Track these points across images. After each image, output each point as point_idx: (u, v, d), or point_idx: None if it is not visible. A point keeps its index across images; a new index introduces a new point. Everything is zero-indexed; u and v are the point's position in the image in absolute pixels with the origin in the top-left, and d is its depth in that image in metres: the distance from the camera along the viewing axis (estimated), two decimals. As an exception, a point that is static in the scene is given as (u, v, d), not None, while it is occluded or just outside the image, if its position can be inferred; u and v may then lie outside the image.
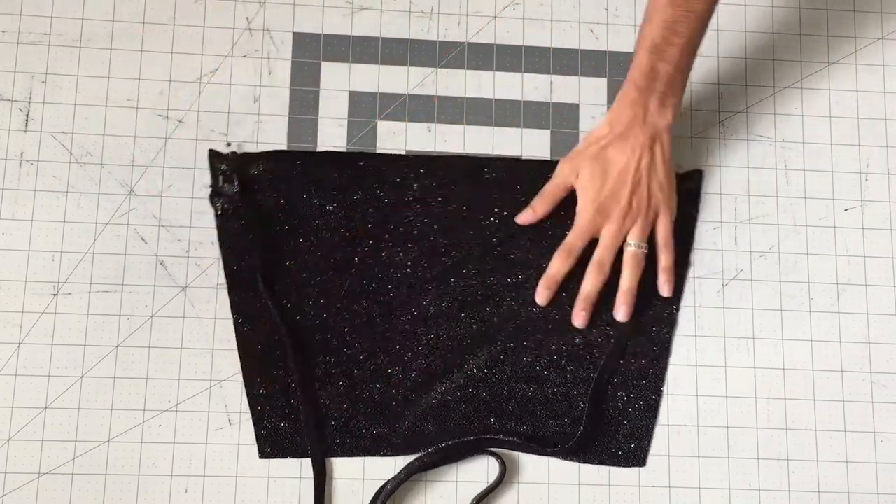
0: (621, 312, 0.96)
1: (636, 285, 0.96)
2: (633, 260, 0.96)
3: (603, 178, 0.95)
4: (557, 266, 0.96)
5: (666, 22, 0.91)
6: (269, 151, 1.00)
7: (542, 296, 0.97)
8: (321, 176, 0.99)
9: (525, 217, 0.98)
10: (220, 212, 0.97)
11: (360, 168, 1.00)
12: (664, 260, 0.98)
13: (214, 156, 0.99)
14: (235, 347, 0.95)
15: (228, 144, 1.00)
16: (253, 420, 0.93)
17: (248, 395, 0.94)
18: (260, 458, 0.93)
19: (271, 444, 0.93)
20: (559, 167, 0.98)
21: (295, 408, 0.94)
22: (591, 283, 0.96)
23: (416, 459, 0.92)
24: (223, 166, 0.98)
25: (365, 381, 0.95)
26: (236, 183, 0.98)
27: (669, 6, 0.91)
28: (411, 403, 0.94)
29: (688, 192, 1.01)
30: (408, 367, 0.96)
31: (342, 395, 0.94)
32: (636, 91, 0.94)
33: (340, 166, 1.00)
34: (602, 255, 0.96)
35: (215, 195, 0.97)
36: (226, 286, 0.96)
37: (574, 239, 0.96)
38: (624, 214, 0.95)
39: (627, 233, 0.96)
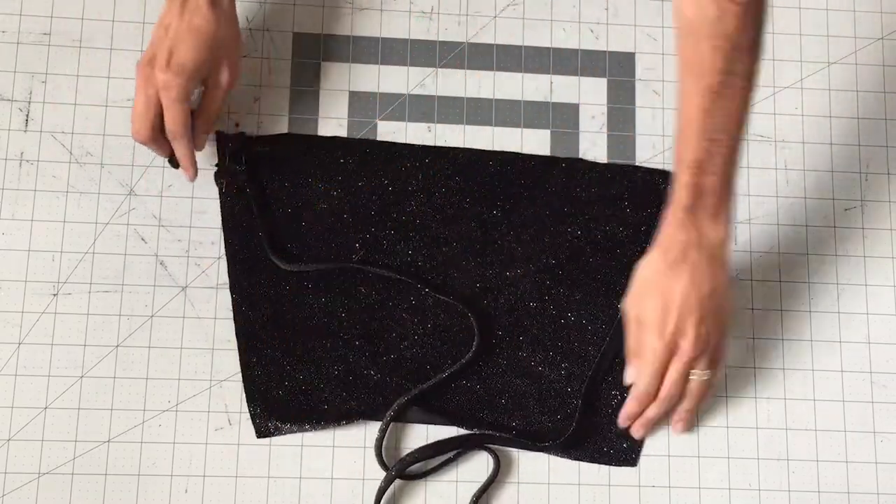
0: (679, 427, 0.94)
1: (695, 407, 0.93)
2: (698, 388, 0.91)
3: (665, 312, 0.88)
4: (634, 408, 0.92)
5: (705, 133, 0.85)
6: (277, 135, 1.00)
7: (638, 433, 0.94)
8: (328, 161, 1.00)
9: (631, 408, 0.93)
10: (223, 190, 0.97)
11: (367, 155, 1.01)
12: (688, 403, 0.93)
13: (222, 136, 0.98)
14: (235, 347, 0.95)
15: (237, 125, 1.00)
16: (247, 395, 0.94)
17: (243, 375, 0.94)
18: (258, 437, 0.93)
19: (272, 413, 0.93)
20: (625, 311, 0.91)
21: (292, 377, 0.94)
22: (655, 412, 0.92)
23: (408, 455, 0.92)
24: (230, 145, 0.98)
25: (360, 366, 0.95)
26: (244, 160, 0.98)
27: (704, 115, 0.84)
28: (405, 392, 0.94)
29: None
30: (403, 355, 0.96)
31: (337, 380, 0.95)
32: (683, 212, 0.87)
33: (347, 152, 1.00)
34: (670, 391, 0.90)
35: (220, 174, 0.97)
36: (227, 279, 0.96)
37: (649, 380, 0.90)
38: (692, 351, 0.88)
39: (694, 364, 0.90)
